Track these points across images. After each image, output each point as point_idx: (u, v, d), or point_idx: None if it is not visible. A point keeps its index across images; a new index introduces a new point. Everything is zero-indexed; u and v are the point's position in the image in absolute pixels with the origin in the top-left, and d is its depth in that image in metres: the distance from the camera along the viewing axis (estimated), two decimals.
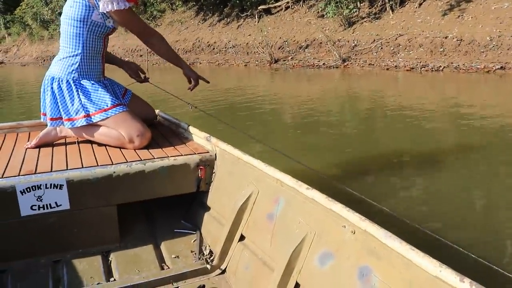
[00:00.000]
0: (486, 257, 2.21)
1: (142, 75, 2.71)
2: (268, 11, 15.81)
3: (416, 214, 2.78)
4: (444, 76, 8.76)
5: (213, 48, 15.88)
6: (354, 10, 12.73)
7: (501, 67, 8.51)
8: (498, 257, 2.28)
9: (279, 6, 15.63)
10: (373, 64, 10.45)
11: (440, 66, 9.25)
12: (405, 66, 9.75)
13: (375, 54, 11.02)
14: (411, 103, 6.32)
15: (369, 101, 6.90)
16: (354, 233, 1.27)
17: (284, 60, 12.55)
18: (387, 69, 9.98)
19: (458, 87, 7.83)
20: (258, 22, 15.65)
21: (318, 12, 13.96)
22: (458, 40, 9.94)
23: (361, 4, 13.07)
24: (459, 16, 10.77)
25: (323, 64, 11.32)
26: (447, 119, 5.37)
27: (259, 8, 15.84)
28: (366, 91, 7.83)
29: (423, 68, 9.42)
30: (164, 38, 2.38)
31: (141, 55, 17.92)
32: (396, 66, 9.95)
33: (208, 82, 2.58)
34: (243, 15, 16.44)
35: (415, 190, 3.17)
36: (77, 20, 2.15)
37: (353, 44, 11.73)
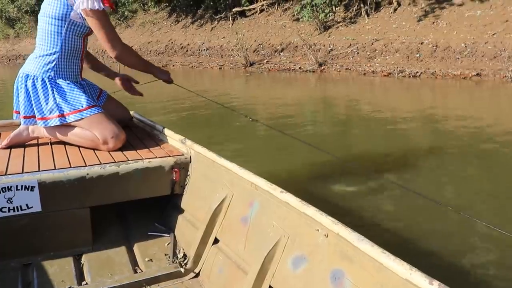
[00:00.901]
0: (455, 260, 2.18)
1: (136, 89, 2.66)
2: (242, 14, 15.64)
3: (386, 216, 2.76)
4: (422, 82, 8.75)
5: (187, 50, 15.58)
6: (330, 14, 12.68)
7: (477, 74, 8.56)
8: (467, 260, 2.28)
9: (254, 8, 15.46)
10: (350, 69, 10.39)
11: (417, 72, 9.25)
12: (382, 72, 9.71)
13: (351, 58, 10.97)
14: (388, 108, 6.25)
15: (346, 106, 6.82)
16: (327, 236, 1.28)
17: (259, 64, 12.37)
18: (364, 74, 9.93)
19: (435, 93, 7.82)
20: (232, 25, 15.45)
21: (294, 15, 13.86)
22: (433, 46, 9.98)
23: (336, 9, 13.03)
24: (433, 22, 10.83)
25: (299, 68, 11.20)
26: (422, 124, 5.34)
27: (233, 10, 15.64)
28: (343, 95, 7.74)
29: (400, 74, 9.40)
30: (131, 48, 2.30)
31: (111, 56, 17.46)
32: (373, 71, 9.91)
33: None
34: (217, 17, 16.22)
35: (387, 193, 3.16)
36: (55, 19, 2.12)
37: (329, 49, 11.66)
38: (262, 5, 15.20)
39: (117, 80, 2.62)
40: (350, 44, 11.40)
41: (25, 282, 1.77)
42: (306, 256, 1.34)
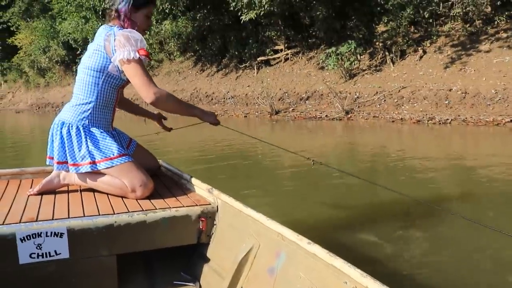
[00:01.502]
0: None
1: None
2: (267, 63, 15.85)
3: (418, 267, 2.69)
4: (452, 129, 8.57)
5: (212, 99, 15.76)
6: (355, 62, 12.73)
7: (511, 120, 8.34)
8: None
9: (278, 57, 15.68)
10: (378, 116, 10.28)
11: (448, 119, 9.08)
12: (411, 119, 9.57)
13: (378, 106, 10.89)
14: (420, 156, 6.06)
15: (375, 153, 6.66)
16: None
17: (285, 112, 12.38)
18: (393, 121, 9.80)
19: (468, 139, 7.62)
20: (257, 73, 15.64)
21: (318, 64, 13.97)
22: (463, 93, 9.85)
23: (361, 57, 13.10)
24: (461, 69, 10.74)
25: (326, 116, 11.15)
26: (454, 171, 5.16)
27: (258, 59, 15.87)
28: (372, 143, 7.59)
29: (430, 121, 9.24)
30: (169, 93, 2.29)
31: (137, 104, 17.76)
32: (401, 118, 9.78)
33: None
34: (242, 66, 16.47)
35: (418, 244, 3.06)
36: (94, 70, 2.23)
37: (356, 96, 11.62)
38: (287, 54, 15.40)
39: (157, 119, 2.76)
40: (377, 92, 11.35)
41: None
42: None
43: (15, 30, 28.38)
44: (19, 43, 27.71)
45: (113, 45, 2.18)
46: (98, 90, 2.26)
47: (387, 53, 12.63)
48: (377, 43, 13.19)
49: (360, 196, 4.34)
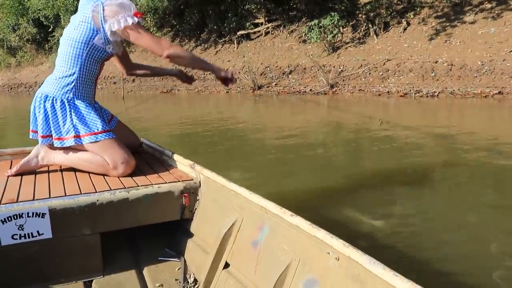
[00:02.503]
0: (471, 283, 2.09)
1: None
2: (247, 37, 15.44)
3: (400, 237, 2.72)
4: (440, 102, 8.43)
5: (191, 75, 15.31)
6: (338, 35, 12.44)
7: (499, 92, 8.25)
8: (482, 280, 2.22)
9: (259, 31, 15.29)
10: (363, 90, 10.10)
11: (435, 92, 8.94)
12: (398, 92, 9.41)
13: (363, 79, 10.68)
14: (405, 128, 5.90)
15: (360, 126, 6.50)
16: (338, 259, 1.28)
17: (268, 87, 12.09)
18: (379, 94, 9.63)
19: (455, 112, 7.49)
20: (237, 48, 15.25)
21: (300, 37, 13.66)
22: (449, 65, 9.70)
23: (344, 30, 12.82)
24: (446, 40, 10.59)
25: (310, 90, 10.91)
26: (440, 144, 5.03)
27: (237, 33, 15.45)
28: (358, 116, 7.40)
29: (417, 94, 9.09)
30: (180, 47, 2.35)
31: (114, 82, 17.22)
32: (388, 91, 9.61)
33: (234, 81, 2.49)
34: (221, 40, 16.04)
35: (400, 214, 3.11)
36: (78, 42, 2.19)
37: (340, 70, 11.39)
38: (267, 28, 15.02)
39: (178, 74, 2.69)
40: (361, 65, 11.14)
41: None
42: (317, 279, 1.33)
43: None
44: None
45: (102, 15, 2.14)
46: (81, 62, 2.21)
47: (370, 26, 12.39)
48: (360, 15, 12.93)
49: (343, 169, 4.36)
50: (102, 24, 2.14)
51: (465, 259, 2.43)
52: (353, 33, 12.73)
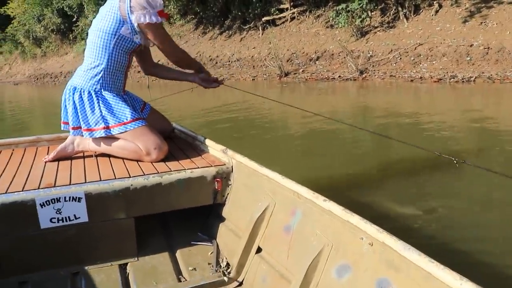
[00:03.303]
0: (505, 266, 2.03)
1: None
2: (272, 23, 15.16)
3: (433, 224, 2.68)
4: (477, 87, 8.07)
5: (216, 63, 15.14)
6: (366, 19, 12.07)
7: None
8: None
9: (284, 17, 14.98)
10: (395, 76, 9.77)
11: (471, 77, 8.56)
12: (431, 77, 9.06)
13: (394, 64, 10.35)
14: (439, 115, 5.61)
15: (391, 113, 6.25)
16: (372, 245, 1.26)
17: (294, 73, 11.84)
18: (411, 80, 9.29)
19: (492, 98, 7.14)
20: (262, 34, 14.98)
21: (327, 22, 13.32)
22: (485, 48, 9.29)
23: (372, 13, 12.43)
24: (481, 22, 10.15)
25: (339, 76, 10.62)
26: (476, 129, 4.74)
27: (262, 19, 15.17)
28: (389, 103, 7.13)
29: (452, 79, 8.72)
30: (187, 53, 2.45)
31: (139, 71, 17.16)
32: (421, 77, 9.26)
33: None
34: (246, 27, 15.78)
35: (434, 201, 3.02)
36: (106, 32, 2.20)
37: (369, 55, 11.06)
38: (293, 13, 14.70)
39: (198, 80, 2.62)
40: (391, 50, 10.79)
41: None
42: (350, 265, 1.33)
43: None
44: (11, 12, 26.74)
45: (129, 6, 2.14)
46: (109, 53, 2.23)
47: (399, 9, 11.98)
48: None
49: (373, 155, 4.28)
50: (128, 14, 2.15)
51: (501, 243, 2.38)
52: (382, 17, 12.34)
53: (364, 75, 10.25)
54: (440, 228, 2.61)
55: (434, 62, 9.81)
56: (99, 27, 2.21)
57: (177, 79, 2.68)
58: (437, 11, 11.36)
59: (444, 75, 8.95)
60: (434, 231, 2.57)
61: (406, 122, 5.59)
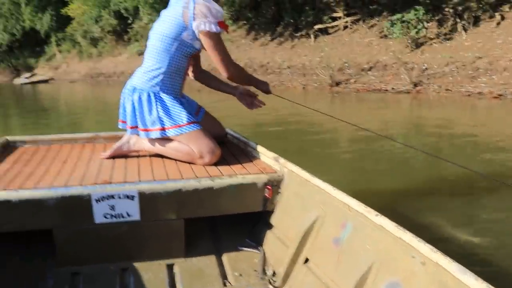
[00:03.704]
0: None
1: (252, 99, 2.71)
2: (324, 31, 15.05)
3: (488, 246, 2.60)
4: None
5: (267, 69, 15.16)
6: (422, 30, 11.78)
7: None
8: None
9: (337, 25, 14.85)
10: (451, 90, 9.47)
11: None
12: (490, 93, 8.72)
13: (450, 78, 10.03)
14: (496, 134, 5.38)
15: (445, 129, 6.07)
16: (424, 264, 1.22)
17: (346, 83, 11.70)
18: (468, 95, 8.99)
19: None
20: (314, 42, 14.91)
21: (381, 32, 13.10)
22: None
23: (428, 24, 12.11)
24: None
25: (392, 88, 10.41)
26: None
27: (314, 27, 15.10)
28: (444, 118, 6.90)
29: None
30: (241, 67, 2.40)
31: (188, 74, 17.43)
32: (479, 92, 8.94)
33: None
34: (298, 34, 15.74)
35: (491, 225, 2.93)
36: (168, 37, 2.27)
37: (424, 67, 10.78)
38: (346, 22, 14.55)
39: (238, 95, 2.68)
40: (448, 63, 10.47)
41: (122, 286, 1.88)
42: (400, 283, 1.29)
43: (68, 0, 28.51)
44: (72, 13, 27.83)
45: (192, 13, 2.20)
46: (170, 57, 2.29)
47: (458, 20, 11.62)
48: (446, 9, 12.16)
49: (424, 171, 4.18)
50: (191, 21, 2.21)
51: None
52: (438, 28, 12.00)
53: (418, 88, 10.00)
54: (497, 254, 2.51)
55: (494, 76, 9.45)
56: (161, 31, 2.28)
57: (217, 89, 2.72)
58: (498, 23, 10.95)
59: (505, 91, 8.60)
60: (491, 257, 2.48)
61: (461, 140, 5.40)
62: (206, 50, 2.32)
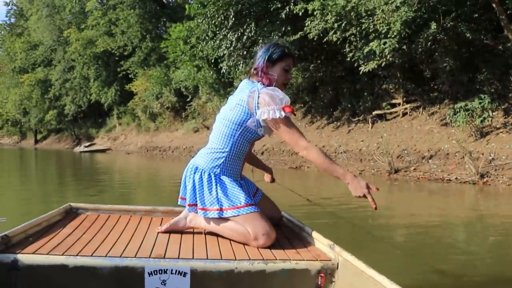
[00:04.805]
0: None
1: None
2: (382, 117, 14.87)
3: None
4: None
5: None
6: (487, 119, 11.35)
7: None
8: None
9: (396, 112, 14.65)
10: None
11: None
12: None
13: None
14: None
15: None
16: None
17: (405, 171, 11.25)
18: None
19: None
20: (371, 128, 14.70)
21: (442, 120, 12.76)
22: None
23: (493, 113, 11.68)
24: None
25: (456, 178, 9.87)
26: None
27: (373, 113, 14.96)
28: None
29: None
30: (317, 149, 2.37)
31: None
32: None
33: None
34: (355, 119, 15.63)
35: None
36: (233, 123, 2.38)
37: (490, 157, 10.24)
38: (405, 108, 14.34)
39: (267, 174, 2.94)
40: None
41: None
42: None
43: (133, 77, 30.21)
44: (135, 89, 29.35)
45: (256, 102, 2.32)
46: (233, 141, 2.40)
47: None
48: None
49: (486, 272, 3.75)
50: (255, 109, 2.33)
51: None
52: (505, 118, 11.55)
53: (485, 179, 9.42)
54: None
55: None
56: (227, 117, 2.40)
57: (255, 165, 2.94)
58: None
59: None
60: None
61: None
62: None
